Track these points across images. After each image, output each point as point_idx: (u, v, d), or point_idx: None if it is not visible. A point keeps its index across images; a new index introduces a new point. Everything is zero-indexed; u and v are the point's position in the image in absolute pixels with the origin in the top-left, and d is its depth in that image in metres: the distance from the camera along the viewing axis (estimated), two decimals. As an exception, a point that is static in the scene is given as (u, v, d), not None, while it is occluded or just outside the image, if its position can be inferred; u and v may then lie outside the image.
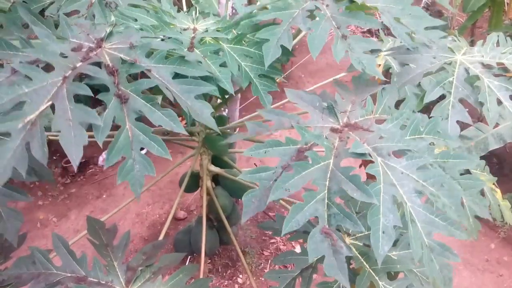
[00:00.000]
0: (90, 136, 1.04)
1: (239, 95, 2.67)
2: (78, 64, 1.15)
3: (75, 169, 1.02)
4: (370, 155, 1.03)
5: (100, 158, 3.54)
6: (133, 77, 1.22)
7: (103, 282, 1.46)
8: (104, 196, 3.32)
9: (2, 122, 1.02)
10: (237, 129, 2.59)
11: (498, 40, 1.43)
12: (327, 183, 0.95)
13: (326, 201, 0.93)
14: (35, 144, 1.01)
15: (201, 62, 1.29)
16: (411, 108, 1.14)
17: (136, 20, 1.50)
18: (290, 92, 1.23)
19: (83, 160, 3.53)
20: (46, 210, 3.20)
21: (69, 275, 1.45)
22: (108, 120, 1.08)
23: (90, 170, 3.52)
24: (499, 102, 1.30)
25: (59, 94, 1.07)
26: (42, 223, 3.10)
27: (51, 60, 1.16)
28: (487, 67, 1.34)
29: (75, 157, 1.01)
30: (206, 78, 1.25)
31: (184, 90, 1.15)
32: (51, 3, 1.63)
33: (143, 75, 1.22)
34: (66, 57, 1.18)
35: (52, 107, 1.09)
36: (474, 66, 1.34)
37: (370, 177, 2.27)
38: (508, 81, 1.32)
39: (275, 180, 0.97)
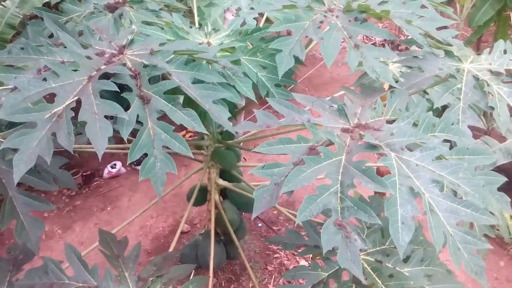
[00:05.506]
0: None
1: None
2: (103, 67, 1.20)
3: (100, 158, 1.05)
4: (383, 149, 1.03)
5: (105, 171, 3.56)
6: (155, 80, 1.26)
7: (114, 292, 1.46)
8: (108, 208, 3.32)
9: (29, 113, 1.06)
10: (241, 144, 2.61)
11: (505, 48, 1.45)
12: (340, 177, 0.96)
13: (339, 194, 0.94)
14: (61, 134, 1.05)
15: (221, 72, 1.32)
16: (422, 109, 1.14)
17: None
18: (299, 96, 1.25)
19: (88, 172, 3.55)
20: (51, 222, 3.20)
21: (81, 285, 1.46)
22: (131, 118, 1.12)
23: (95, 183, 3.54)
24: (510, 108, 1.30)
25: (85, 91, 1.12)
26: (47, 235, 3.09)
27: (77, 60, 1.21)
28: (496, 74, 1.36)
29: (100, 148, 1.04)
30: (223, 86, 1.28)
31: (203, 95, 1.19)
32: (67, 21, 1.70)
33: (165, 77, 1.26)
34: (91, 59, 1.24)
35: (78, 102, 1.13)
36: (483, 74, 1.35)
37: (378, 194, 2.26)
38: None
39: (287, 176, 0.98)
